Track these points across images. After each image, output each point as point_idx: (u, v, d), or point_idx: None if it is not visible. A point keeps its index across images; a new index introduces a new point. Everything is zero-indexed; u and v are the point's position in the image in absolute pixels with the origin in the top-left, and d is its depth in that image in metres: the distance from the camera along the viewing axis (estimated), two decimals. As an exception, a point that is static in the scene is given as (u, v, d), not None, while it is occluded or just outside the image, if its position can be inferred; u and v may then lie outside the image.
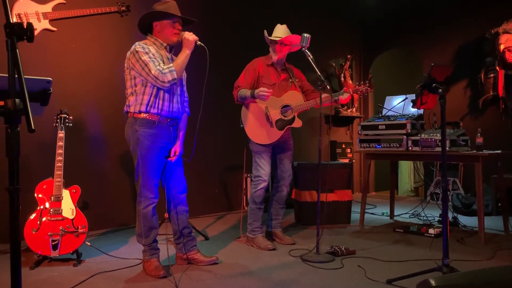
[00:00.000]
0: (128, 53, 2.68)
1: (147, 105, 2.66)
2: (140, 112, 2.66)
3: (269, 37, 3.41)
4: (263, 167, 3.41)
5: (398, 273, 2.57)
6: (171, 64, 2.64)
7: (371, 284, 2.53)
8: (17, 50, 1.18)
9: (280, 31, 3.43)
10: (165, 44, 2.77)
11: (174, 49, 2.86)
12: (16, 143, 1.18)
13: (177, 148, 2.86)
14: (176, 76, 2.62)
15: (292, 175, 3.62)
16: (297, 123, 3.43)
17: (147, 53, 2.61)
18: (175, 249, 2.99)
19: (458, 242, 3.48)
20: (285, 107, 3.41)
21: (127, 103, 2.73)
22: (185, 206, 2.94)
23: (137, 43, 2.68)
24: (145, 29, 2.82)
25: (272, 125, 3.38)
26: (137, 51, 2.62)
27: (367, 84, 3.38)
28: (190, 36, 2.68)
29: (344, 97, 3.38)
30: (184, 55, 2.68)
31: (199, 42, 2.71)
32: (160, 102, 2.68)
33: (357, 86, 3.40)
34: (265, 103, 3.34)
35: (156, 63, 2.60)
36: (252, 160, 3.49)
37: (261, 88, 3.24)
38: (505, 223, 3.82)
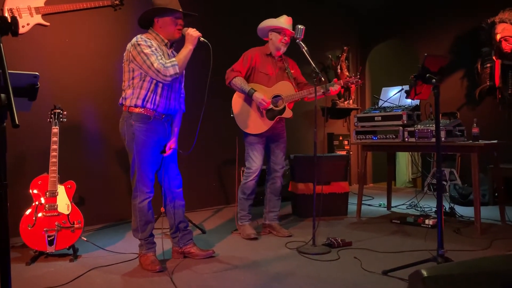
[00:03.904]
0: (129, 45, 2.65)
1: (144, 99, 2.64)
2: (136, 106, 2.65)
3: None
4: (255, 160, 3.44)
5: (394, 264, 2.58)
6: (174, 59, 2.62)
7: (366, 275, 2.53)
8: (1, 44, 1.17)
9: (286, 22, 3.41)
10: (165, 41, 2.74)
11: (175, 45, 2.83)
12: (2, 139, 1.16)
13: (172, 144, 2.85)
14: (178, 71, 2.60)
15: (284, 167, 3.64)
16: (288, 114, 3.45)
17: (149, 46, 2.59)
18: (171, 243, 2.99)
19: (455, 233, 3.49)
20: (276, 97, 3.42)
21: (123, 95, 2.71)
22: (182, 200, 2.94)
23: (138, 35, 2.65)
24: (146, 24, 2.79)
25: (262, 115, 3.40)
26: (139, 44, 2.59)
27: (358, 76, 3.40)
28: (194, 33, 2.66)
29: (334, 88, 3.38)
30: (187, 50, 2.65)
31: (202, 39, 2.69)
32: (157, 98, 2.67)
33: (347, 78, 3.42)
34: (254, 90, 3.34)
35: (159, 57, 2.58)
36: (245, 151, 3.50)
37: (263, 98, 3.29)
38: (502, 213, 3.82)
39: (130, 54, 2.62)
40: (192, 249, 2.93)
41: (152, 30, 2.75)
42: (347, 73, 6.38)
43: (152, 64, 2.55)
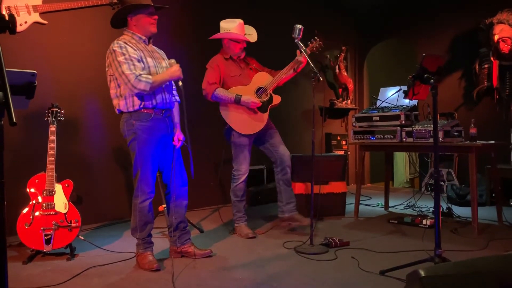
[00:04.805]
0: (108, 51, 2.65)
1: (140, 104, 2.63)
2: (134, 111, 2.65)
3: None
4: (244, 162, 3.50)
5: (391, 264, 2.58)
6: (150, 77, 2.59)
7: (364, 275, 2.54)
8: (-1, 42, 1.16)
9: (240, 29, 3.48)
10: (143, 37, 2.73)
11: (153, 39, 2.82)
12: (-1, 136, 1.16)
13: (179, 136, 2.85)
14: (148, 89, 2.57)
15: (290, 155, 3.66)
16: (276, 99, 3.53)
17: (123, 54, 2.57)
18: (169, 242, 2.98)
19: (452, 233, 3.50)
20: (259, 90, 3.48)
21: (116, 107, 2.70)
22: (185, 200, 2.93)
23: (115, 41, 2.64)
24: (119, 24, 2.78)
25: (256, 112, 3.45)
26: (114, 51, 2.59)
27: (317, 39, 3.43)
28: (177, 72, 2.69)
29: (302, 57, 3.37)
30: (164, 79, 2.66)
31: (180, 83, 2.69)
32: (152, 96, 2.66)
33: (310, 44, 3.44)
34: (240, 95, 3.40)
35: (132, 67, 2.56)
36: (233, 153, 3.53)
37: (252, 99, 3.37)
38: (499, 213, 3.83)
39: (108, 61, 2.63)
40: (190, 249, 2.92)
41: (128, 30, 2.74)
42: (345, 73, 6.39)
43: (123, 72, 2.55)
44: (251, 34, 3.55)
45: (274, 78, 3.48)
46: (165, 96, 2.73)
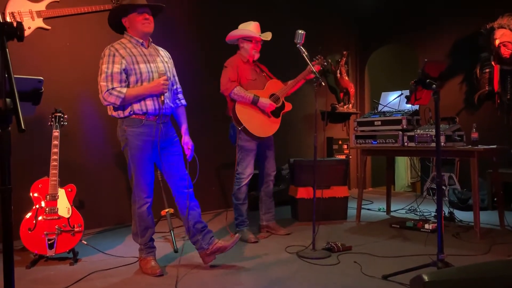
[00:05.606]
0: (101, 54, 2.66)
1: (130, 110, 2.62)
2: (125, 116, 2.64)
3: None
4: (249, 166, 3.55)
5: (394, 268, 2.58)
6: (125, 90, 2.56)
7: (366, 279, 2.54)
8: (7, 49, 1.18)
9: (255, 29, 3.55)
10: (141, 41, 2.71)
11: (152, 40, 2.81)
12: (7, 143, 1.17)
13: (189, 144, 2.80)
14: (119, 103, 2.55)
15: (276, 171, 3.76)
16: (288, 106, 3.66)
17: (108, 62, 2.58)
18: (196, 248, 2.84)
19: (454, 237, 3.50)
20: (272, 96, 3.57)
21: (109, 112, 2.69)
22: (194, 201, 2.81)
23: (109, 45, 2.64)
24: (118, 30, 2.78)
25: (269, 116, 3.54)
26: (104, 55, 2.61)
27: (322, 58, 3.60)
28: (159, 87, 2.60)
29: (312, 70, 3.38)
30: (141, 92, 2.59)
31: (162, 98, 2.63)
32: (143, 102, 2.61)
33: (315, 61, 3.60)
34: (258, 97, 3.47)
35: (109, 78, 2.55)
36: (239, 157, 3.55)
37: (270, 102, 3.47)
38: (501, 218, 3.83)
39: (99, 64, 2.64)
40: (219, 244, 2.78)
41: (126, 33, 2.74)
42: (346, 78, 6.41)
43: (100, 82, 2.57)
44: (268, 38, 3.60)
45: (286, 86, 3.60)
46: (157, 103, 2.64)
